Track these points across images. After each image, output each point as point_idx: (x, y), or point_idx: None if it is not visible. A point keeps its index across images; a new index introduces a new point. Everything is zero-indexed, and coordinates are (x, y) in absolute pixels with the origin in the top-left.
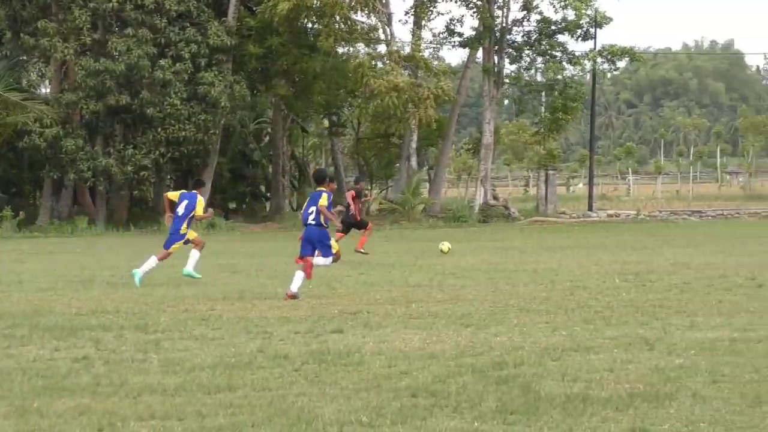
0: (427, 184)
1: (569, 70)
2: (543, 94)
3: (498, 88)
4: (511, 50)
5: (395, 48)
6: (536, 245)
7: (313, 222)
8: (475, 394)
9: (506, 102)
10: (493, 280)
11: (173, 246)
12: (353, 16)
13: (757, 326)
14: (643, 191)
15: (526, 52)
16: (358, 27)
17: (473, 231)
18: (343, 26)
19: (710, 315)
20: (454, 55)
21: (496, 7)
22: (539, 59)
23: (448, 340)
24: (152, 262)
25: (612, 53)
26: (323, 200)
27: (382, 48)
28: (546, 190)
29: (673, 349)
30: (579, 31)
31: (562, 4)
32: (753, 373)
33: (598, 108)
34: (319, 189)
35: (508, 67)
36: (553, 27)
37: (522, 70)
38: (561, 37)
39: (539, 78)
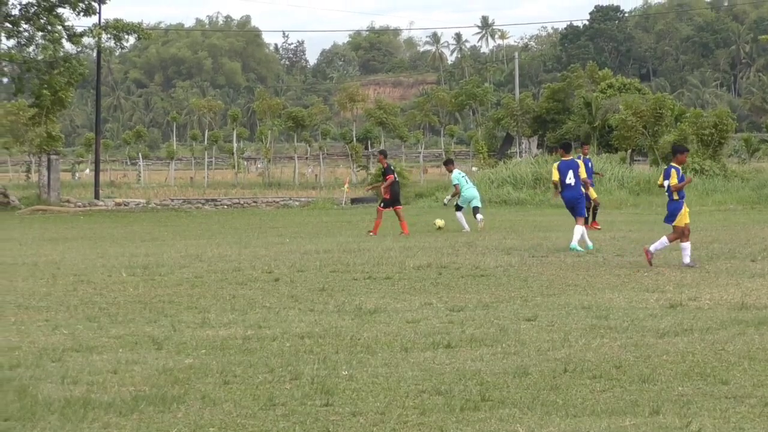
0: None
1: (70, 48)
2: (44, 73)
3: None
4: (8, 24)
5: None
6: (37, 236)
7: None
8: None
9: (5, 80)
10: None
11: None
12: None
13: (272, 323)
14: (155, 178)
15: (25, 26)
16: None
17: None
18: None
19: (223, 311)
20: None
21: None
22: (39, 35)
23: None
24: (578, 232)
25: (118, 29)
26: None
27: None
28: (48, 176)
29: (182, 349)
30: (81, 5)
31: None
32: (267, 374)
33: (106, 88)
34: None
35: (5, 43)
36: (53, 0)
37: (21, 46)
38: (62, 11)
39: (40, 56)
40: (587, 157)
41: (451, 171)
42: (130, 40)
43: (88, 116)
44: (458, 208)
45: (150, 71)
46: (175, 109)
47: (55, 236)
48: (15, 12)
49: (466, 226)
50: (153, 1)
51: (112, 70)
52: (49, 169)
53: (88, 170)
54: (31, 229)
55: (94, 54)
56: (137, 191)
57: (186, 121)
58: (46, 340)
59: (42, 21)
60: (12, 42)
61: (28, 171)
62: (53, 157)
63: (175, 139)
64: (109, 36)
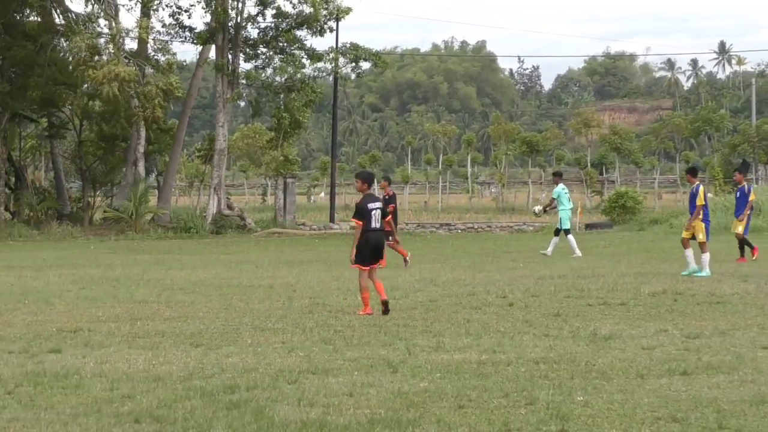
0: (156, 192)
1: (309, 68)
2: (282, 95)
3: (232, 88)
4: (246, 47)
5: (119, 37)
6: (273, 259)
7: None
8: (203, 419)
9: (242, 104)
10: (226, 296)
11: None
12: (72, 6)
13: (506, 347)
14: None
15: (262, 49)
16: (78, 18)
17: (205, 243)
18: (62, 20)
19: (458, 335)
20: (188, 53)
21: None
22: (276, 57)
23: (175, 361)
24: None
25: (355, 55)
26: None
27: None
28: (284, 199)
29: (417, 372)
30: (317, 25)
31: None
32: (502, 398)
33: (341, 112)
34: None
35: (244, 66)
36: (289, 21)
37: (258, 69)
38: (299, 33)
39: (277, 78)
40: (742, 185)
41: (557, 183)
42: (366, 65)
43: (324, 140)
44: (568, 231)
45: (385, 96)
46: (410, 134)
47: (290, 259)
48: (254, 35)
49: (578, 252)
50: (390, 27)
51: (348, 94)
52: (285, 192)
53: (323, 194)
54: (267, 252)
55: (330, 78)
56: None
57: (420, 145)
58: (282, 362)
59: (281, 44)
60: (249, 65)
61: (264, 194)
62: (289, 180)
63: (409, 163)
64: (346, 60)
